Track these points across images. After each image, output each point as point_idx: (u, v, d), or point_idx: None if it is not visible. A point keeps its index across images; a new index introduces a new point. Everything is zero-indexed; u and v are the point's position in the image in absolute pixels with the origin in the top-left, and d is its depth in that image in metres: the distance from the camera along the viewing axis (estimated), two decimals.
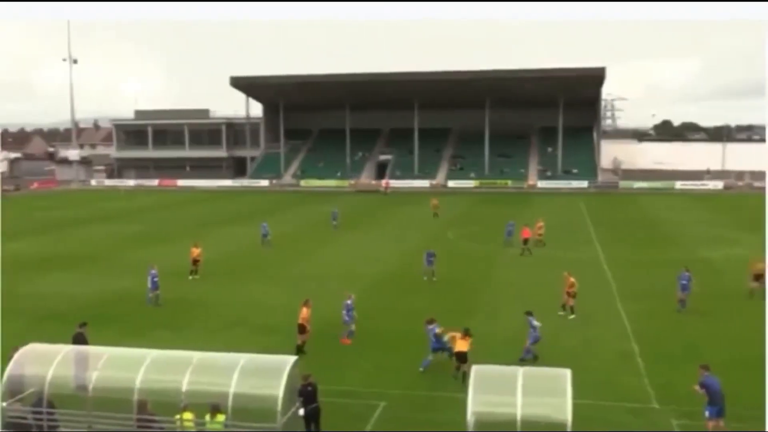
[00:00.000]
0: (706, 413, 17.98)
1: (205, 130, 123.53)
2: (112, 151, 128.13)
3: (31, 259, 44.39)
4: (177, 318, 30.25)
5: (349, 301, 26.52)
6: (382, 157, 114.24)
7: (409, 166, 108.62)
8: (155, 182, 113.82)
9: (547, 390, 17.02)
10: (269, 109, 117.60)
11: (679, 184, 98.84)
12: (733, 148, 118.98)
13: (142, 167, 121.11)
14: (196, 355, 18.68)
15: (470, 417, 16.66)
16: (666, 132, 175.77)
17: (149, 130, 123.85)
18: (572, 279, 30.09)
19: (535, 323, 24.14)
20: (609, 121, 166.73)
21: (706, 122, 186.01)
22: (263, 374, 18.05)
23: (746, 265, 34.39)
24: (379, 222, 63.50)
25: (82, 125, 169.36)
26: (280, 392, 17.26)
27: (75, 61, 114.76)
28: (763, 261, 33.13)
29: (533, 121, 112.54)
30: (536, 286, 35.60)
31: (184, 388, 17.48)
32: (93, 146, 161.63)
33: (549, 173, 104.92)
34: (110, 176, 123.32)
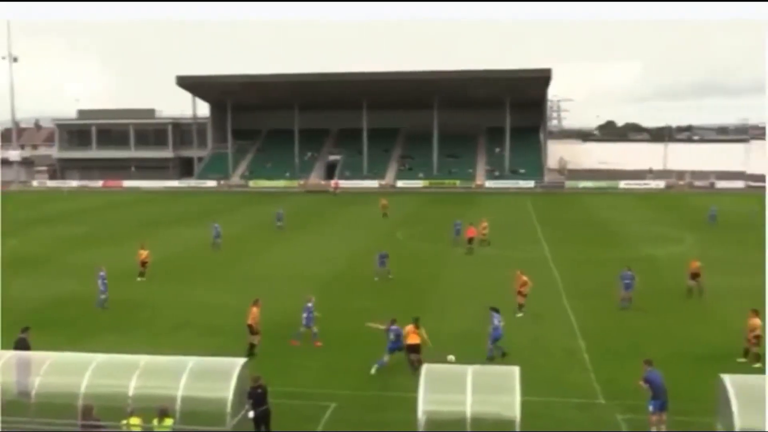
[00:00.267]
0: (650, 407, 18.42)
1: (151, 130, 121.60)
2: (54, 152, 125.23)
3: None
4: (124, 321, 29.76)
5: (309, 304, 26.38)
6: (331, 158, 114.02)
7: (358, 167, 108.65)
8: (99, 183, 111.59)
9: (497, 388, 17.25)
10: (216, 109, 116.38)
11: (622, 184, 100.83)
12: (674, 148, 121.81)
13: (85, 168, 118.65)
14: (143, 359, 18.43)
15: (421, 416, 16.78)
16: (610, 132, 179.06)
17: (93, 130, 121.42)
18: (525, 278, 30.53)
19: (497, 322, 24.43)
20: (555, 122, 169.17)
21: (648, 123, 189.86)
22: (212, 377, 17.91)
23: (686, 264, 35.23)
24: (328, 222, 63.39)
25: (22, 125, 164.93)
26: (230, 395, 17.15)
27: (15, 60, 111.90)
28: (699, 260, 34.01)
29: (481, 121, 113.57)
30: (485, 285, 35.98)
31: (131, 392, 17.25)
32: (34, 147, 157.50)
33: (497, 173, 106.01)
34: (52, 177, 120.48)
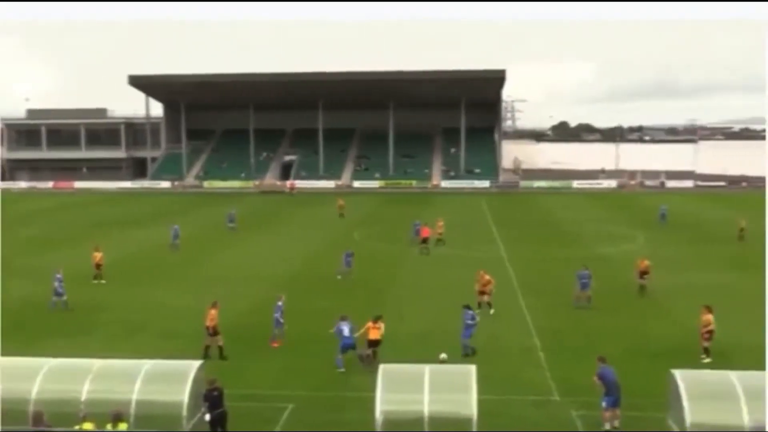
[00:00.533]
0: (603, 403, 18.73)
1: (103, 130, 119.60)
2: (3, 152, 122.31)
3: None
4: (77, 324, 29.22)
5: (280, 303, 26.33)
6: (287, 158, 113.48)
7: (314, 167, 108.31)
8: (50, 184, 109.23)
9: (454, 386, 17.38)
10: (170, 109, 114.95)
11: (576, 183, 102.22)
12: (625, 148, 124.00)
13: (35, 169, 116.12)
14: (97, 363, 18.16)
15: (379, 416, 16.82)
16: (563, 133, 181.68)
17: (43, 130, 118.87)
18: (488, 277, 30.81)
19: (469, 321, 24.62)
20: (509, 122, 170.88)
21: (600, 123, 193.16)
22: (167, 380, 17.73)
23: (634, 263, 35.78)
24: (285, 223, 63.10)
25: None
26: (185, 397, 16.99)
27: None
28: (647, 259, 34.60)
29: (436, 121, 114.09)
30: (441, 284, 36.20)
31: (84, 397, 16.98)
32: None
33: (452, 173, 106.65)
34: (1, 178, 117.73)
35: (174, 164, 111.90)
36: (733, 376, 17.15)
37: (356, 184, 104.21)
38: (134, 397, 16.86)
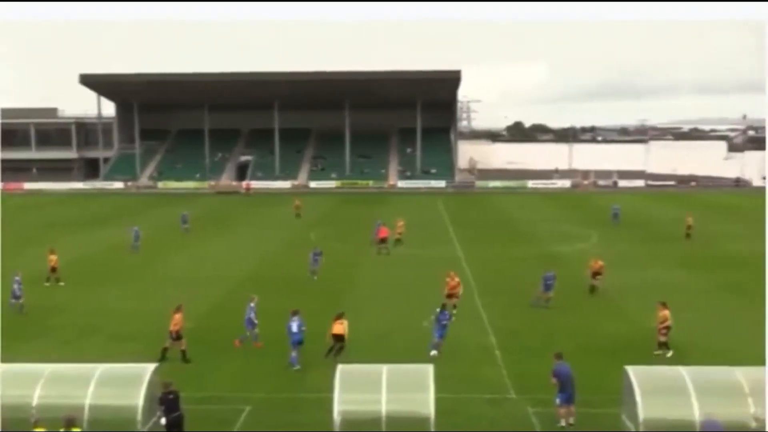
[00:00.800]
0: (557, 400, 19.00)
1: (53, 129, 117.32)
2: None
3: None
4: (31, 328, 28.65)
5: (252, 303, 26.21)
6: (243, 158, 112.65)
7: (270, 167, 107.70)
8: None
9: (411, 386, 17.45)
10: (123, 109, 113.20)
11: (530, 183, 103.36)
12: (578, 148, 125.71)
13: None
14: (49, 367, 17.85)
15: (336, 416, 16.82)
16: (518, 133, 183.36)
17: None
18: (458, 279, 30.98)
19: (444, 321, 24.76)
20: (465, 123, 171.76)
21: (553, 124, 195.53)
22: (122, 383, 17.50)
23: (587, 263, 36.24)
24: (241, 223, 62.63)
25: None
26: (140, 401, 16.80)
27: None
28: (600, 259, 35.06)
29: (392, 122, 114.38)
30: (399, 284, 36.33)
31: (35, 402, 16.67)
32: None
33: (408, 173, 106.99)
34: None
35: (127, 165, 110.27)
36: (684, 372, 17.53)
37: (313, 184, 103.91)
38: (87, 401, 16.60)
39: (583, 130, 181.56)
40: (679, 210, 63.97)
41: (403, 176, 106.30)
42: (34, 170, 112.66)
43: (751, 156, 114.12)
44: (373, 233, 49.04)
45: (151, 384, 17.37)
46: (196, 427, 18.24)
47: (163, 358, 23.56)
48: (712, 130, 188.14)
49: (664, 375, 18.06)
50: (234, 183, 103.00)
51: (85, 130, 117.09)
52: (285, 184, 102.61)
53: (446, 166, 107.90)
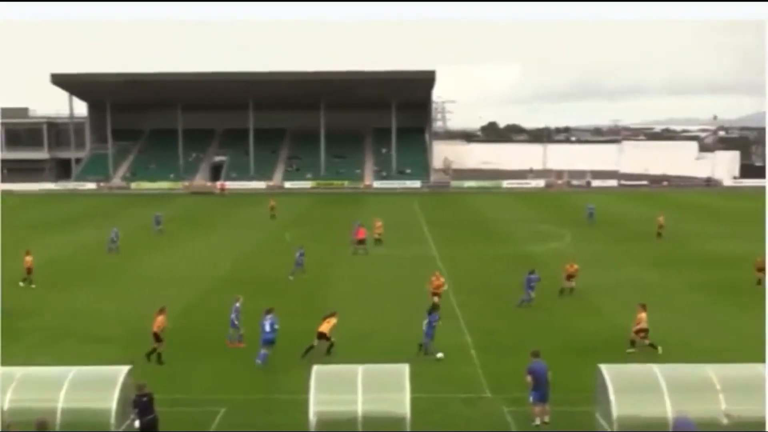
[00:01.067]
0: (530, 398, 19.10)
1: (24, 129, 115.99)
2: None
3: None
4: (3, 330, 28.17)
5: (237, 304, 26.06)
6: (217, 158, 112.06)
7: (245, 168, 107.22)
8: None
9: (387, 386, 17.46)
10: (95, 108, 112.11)
11: (505, 183, 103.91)
12: (552, 148, 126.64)
13: None
14: (20, 371, 17.63)
15: (312, 417, 16.78)
16: (492, 133, 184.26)
17: None
18: (443, 279, 31.03)
19: (432, 322, 24.74)
20: (440, 123, 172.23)
21: (528, 124, 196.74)
22: (95, 386, 17.33)
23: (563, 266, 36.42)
24: (216, 224, 62.27)
25: None
26: (113, 404, 16.64)
27: None
28: (575, 262, 35.24)
29: (368, 122, 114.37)
30: (375, 284, 36.32)
31: (6, 406, 16.46)
32: None
33: (384, 173, 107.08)
34: None
35: (100, 165, 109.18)
36: (657, 369, 17.70)
37: (288, 184, 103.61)
38: (60, 405, 16.41)
39: (557, 130, 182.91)
40: (651, 209, 64.62)
41: (378, 176, 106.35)
42: (5, 171, 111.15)
43: (722, 156, 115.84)
44: (352, 234, 49.01)
45: (125, 386, 17.22)
46: (170, 429, 18.10)
47: (159, 361, 23.67)
48: (684, 131, 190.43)
49: (637, 373, 18.22)
50: (208, 183, 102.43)
51: (57, 130, 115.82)
52: (260, 185, 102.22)
53: (421, 166, 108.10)
